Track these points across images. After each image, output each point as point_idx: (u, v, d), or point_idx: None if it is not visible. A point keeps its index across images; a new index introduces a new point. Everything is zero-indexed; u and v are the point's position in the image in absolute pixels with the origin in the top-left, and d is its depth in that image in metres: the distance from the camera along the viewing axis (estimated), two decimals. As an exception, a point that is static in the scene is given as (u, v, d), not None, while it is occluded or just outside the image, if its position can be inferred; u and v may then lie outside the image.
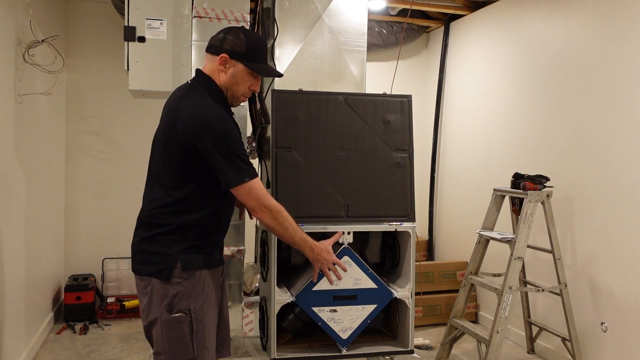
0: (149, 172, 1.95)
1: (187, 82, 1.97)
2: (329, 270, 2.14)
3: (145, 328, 1.90)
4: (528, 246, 3.28)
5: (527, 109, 3.91)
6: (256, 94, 2.80)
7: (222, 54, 1.87)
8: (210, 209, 1.88)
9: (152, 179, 1.92)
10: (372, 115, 2.37)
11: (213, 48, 1.91)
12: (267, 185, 2.68)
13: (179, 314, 1.80)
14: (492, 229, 3.52)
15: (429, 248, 5.13)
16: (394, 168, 2.37)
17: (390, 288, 2.35)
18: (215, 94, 1.89)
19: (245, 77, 1.91)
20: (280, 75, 2.10)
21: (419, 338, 3.94)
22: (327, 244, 2.14)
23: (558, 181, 3.46)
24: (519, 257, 3.18)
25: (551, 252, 3.33)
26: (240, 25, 1.99)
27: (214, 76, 1.90)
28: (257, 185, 1.82)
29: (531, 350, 3.78)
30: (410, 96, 2.42)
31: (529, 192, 3.21)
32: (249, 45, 1.89)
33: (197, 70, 1.95)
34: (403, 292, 2.35)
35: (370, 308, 2.31)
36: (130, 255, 1.94)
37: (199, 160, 1.80)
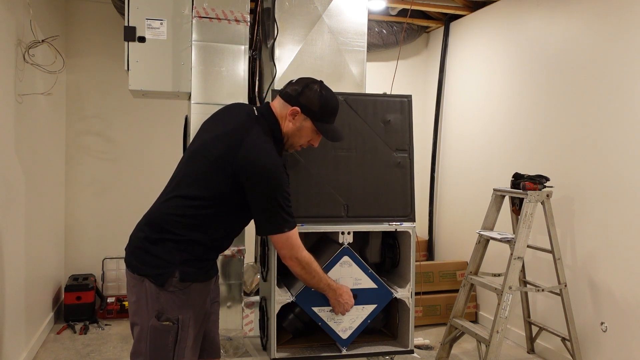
0: (176, 175, 1.95)
1: (253, 109, 1.99)
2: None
3: (130, 324, 1.91)
4: (528, 246, 3.28)
5: (527, 109, 3.91)
6: (256, 94, 2.81)
7: (295, 107, 1.92)
8: (224, 233, 1.93)
9: (177, 186, 1.90)
10: (372, 116, 2.37)
11: (288, 97, 1.95)
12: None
13: (167, 322, 1.80)
14: (492, 229, 3.52)
15: (429, 248, 5.13)
16: (394, 168, 2.37)
17: (390, 288, 2.35)
18: (277, 139, 1.94)
19: (309, 132, 1.97)
20: (342, 139, 2.09)
21: (419, 338, 3.94)
22: (349, 292, 2.19)
23: (558, 181, 3.46)
24: (519, 257, 3.18)
25: (551, 252, 3.33)
26: (319, 80, 2.01)
27: (281, 122, 1.95)
28: (294, 236, 1.90)
29: (531, 350, 3.78)
30: (410, 96, 2.42)
31: (529, 192, 3.21)
32: (323, 105, 1.94)
33: (268, 106, 1.98)
34: (403, 292, 2.35)
35: (370, 308, 2.31)
36: None
37: (238, 195, 1.83)
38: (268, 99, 2.68)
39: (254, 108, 2.01)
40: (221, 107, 2.11)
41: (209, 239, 1.87)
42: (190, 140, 2.40)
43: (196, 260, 1.85)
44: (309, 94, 1.93)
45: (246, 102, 2.63)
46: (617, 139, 3.16)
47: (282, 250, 1.91)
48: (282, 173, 1.84)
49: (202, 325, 1.94)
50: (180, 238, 1.82)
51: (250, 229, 2.76)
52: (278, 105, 1.97)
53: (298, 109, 1.92)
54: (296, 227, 1.90)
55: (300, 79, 2.00)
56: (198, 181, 1.86)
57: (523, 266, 3.47)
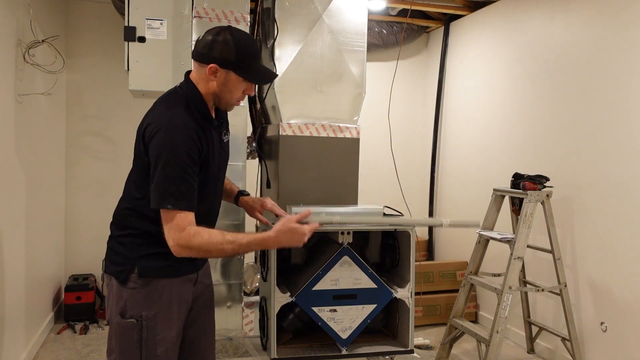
0: (130, 171, 1.90)
1: (176, 86, 1.86)
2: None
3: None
4: (528, 246, 3.28)
5: (527, 109, 3.91)
6: (256, 95, 2.81)
7: (211, 65, 1.73)
8: None
9: (129, 179, 1.87)
10: None
11: (200, 56, 1.76)
12: (268, 186, 2.69)
13: (131, 319, 1.75)
14: (492, 229, 3.52)
15: (429, 248, 5.13)
16: None
17: (390, 288, 2.35)
18: (195, 104, 1.76)
19: (238, 84, 1.78)
20: (275, 76, 1.92)
21: (419, 338, 3.94)
22: (282, 223, 1.74)
23: (558, 181, 3.46)
24: (518, 257, 3.18)
25: (551, 252, 3.33)
26: (226, 25, 1.83)
27: (200, 84, 1.78)
28: (180, 217, 1.63)
29: (531, 350, 3.78)
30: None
31: (528, 192, 3.21)
32: (240, 51, 1.74)
33: (186, 75, 1.84)
34: (403, 292, 2.35)
35: (370, 308, 2.31)
36: None
37: None
38: (268, 99, 2.68)
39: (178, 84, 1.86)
40: None
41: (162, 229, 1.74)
42: None
43: (157, 254, 1.75)
44: (220, 46, 1.72)
45: (246, 102, 2.63)
46: (617, 138, 3.16)
47: (165, 231, 1.65)
48: (179, 135, 1.63)
49: (177, 324, 1.83)
50: (136, 232, 1.78)
51: (250, 230, 2.77)
52: (194, 69, 1.80)
53: (215, 65, 1.73)
54: (188, 213, 1.64)
55: (207, 32, 1.79)
56: (133, 171, 1.82)
57: (523, 266, 3.47)
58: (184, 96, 1.78)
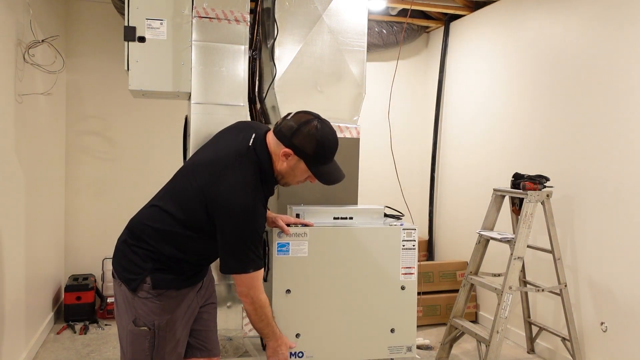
0: (166, 185, 1.92)
1: (251, 137, 1.87)
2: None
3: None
4: (528, 246, 3.28)
5: (527, 108, 3.91)
6: (256, 94, 2.81)
7: (288, 149, 1.80)
8: (198, 256, 1.90)
9: (162, 196, 1.89)
10: None
11: (281, 135, 1.82)
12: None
13: (144, 327, 1.81)
14: (492, 229, 3.52)
15: (429, 248, 5.13)
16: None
17: (390, 288, 2.35)
18: (265, 174, 1.85)
19: (304, 172, 1.87)
20: (340, 181, 1.93)
21: (419, 338, 3.93)
22: (288, 341, 2.07)
23: (558, 181, 3.46)
24: (519, 257, 3.18)
25: (551, 252, 3.33)
26: (316, 115, 1.87)
27: (273, 157, 1.85)
28: (257, 277, 1.82)
29: (531, 350, 3.78)
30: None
31: (529, 192, 3.21)
32: (319, 149, 1.81)
33: (263, 140, 1.87)
34: (403, 292, 2.35)
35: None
36: None
37: (212, 227, 1.78)
38: (268, 99, 2.68)
39: (253, 136, 1.89)
40: (221, 107, 2.10)
41: (182, 256, 1.84)
42: (192, 146, 2.39)
43: (170, 268, 1.84)
44: (303, 136, 1.80)
45: (246, 102, 2.62)
46: (617, 138, 3.16)
47: (240, 287, 1.83)
48: (255, 215, 1.76)
49: (185, 329, 1.92)
50: (153, 249, 1.82)
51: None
52: (272, 142, 1.86)
53: (291, 151, 1.80)
54: (262, 269, 1.83)
55: (296, 115, 1.87)
56: (179, 201, 1.83)
57: (523, 266, 3.47)
58: (257, 163, 1.83)
